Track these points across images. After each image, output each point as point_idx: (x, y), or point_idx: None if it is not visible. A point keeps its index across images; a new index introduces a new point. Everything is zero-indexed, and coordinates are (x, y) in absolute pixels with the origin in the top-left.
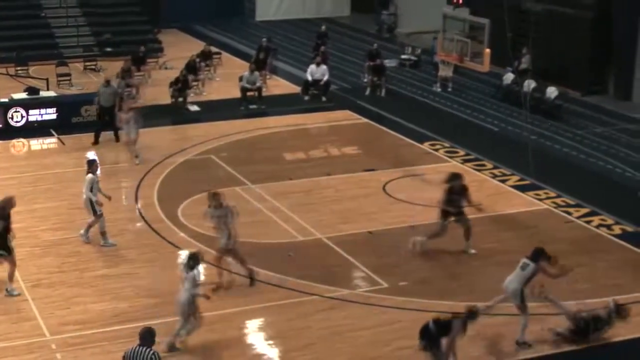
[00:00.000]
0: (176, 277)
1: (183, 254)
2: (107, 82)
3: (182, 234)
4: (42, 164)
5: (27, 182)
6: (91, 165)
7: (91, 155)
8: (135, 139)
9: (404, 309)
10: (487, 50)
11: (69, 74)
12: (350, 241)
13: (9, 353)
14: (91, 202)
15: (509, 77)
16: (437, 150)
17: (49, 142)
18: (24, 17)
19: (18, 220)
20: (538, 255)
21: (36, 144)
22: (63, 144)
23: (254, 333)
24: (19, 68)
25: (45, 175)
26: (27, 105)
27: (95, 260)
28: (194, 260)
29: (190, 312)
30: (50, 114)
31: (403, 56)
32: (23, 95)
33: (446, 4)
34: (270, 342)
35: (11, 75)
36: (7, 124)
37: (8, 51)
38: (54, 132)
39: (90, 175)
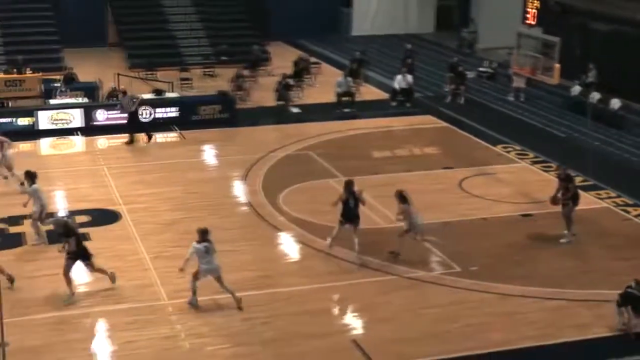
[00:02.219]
0: (275, 253)
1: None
2: (124, 93)
3: (281, 218)
4: (164, 155)
5: (152, 169)
6: None
7: None
8: None
9: (472, 290)
10: (557, 65)
11: (189, 79)
12: (428, 229)
13: (133, 313)
14: None
15: (576, 89)
16: (508, 152)
17: (171, 136)
18: (154, 30)
19: (143, 201)
20: None
21: (160, 137)
22: (183, 137)
23: (342, 305)
24: (148, 73)
25: (166, 164)
26: (154, 104)
27: None
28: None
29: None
30: (173, 112)
31: (481, 69)
32: (151, 96)
33: (521, 23)
34: (356, 313)
35: (142, 79)
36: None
37: (140, 58)
38: (175, 128)
39: None
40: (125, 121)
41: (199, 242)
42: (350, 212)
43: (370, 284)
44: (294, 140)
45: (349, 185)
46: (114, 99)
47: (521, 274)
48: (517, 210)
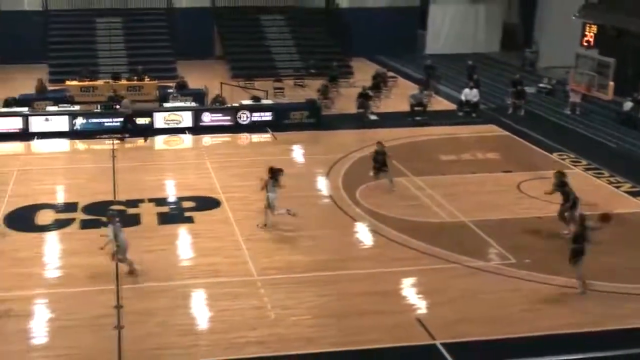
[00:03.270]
0: (351, 240)
1: None
2: (122, 97)
3: (357, 210)
4: (259, 152)
5: (247, 164)
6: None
7: None
8: None
9: (526, 280)
10: (611, 83)
11: (282, 88)
12: (487, 225)
13: (227, 285)
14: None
15: (628, 105)
16: (564, 159)
17: (265, 137)
18: (253, 45)
19: (239, 191)
20: None
21: (256, 137)
22: (275, 138)
23: (408, 288)
24: (247, 82)
25: (260, 160)
26: (251, 109)
27: (292, 224)
28: None
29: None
30: (267, 116)
31: (541, 85)
32: (249, 102)
33: (579, 45)
34: (420, 295)
35: (242, 87)
36: (236, 122)
37: (241, 69)
38: (269, 130)
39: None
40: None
41: (112, 223)
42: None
43: (435, 270)
44: (371, 143)
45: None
46: (218, 103)
47: (570, 267)
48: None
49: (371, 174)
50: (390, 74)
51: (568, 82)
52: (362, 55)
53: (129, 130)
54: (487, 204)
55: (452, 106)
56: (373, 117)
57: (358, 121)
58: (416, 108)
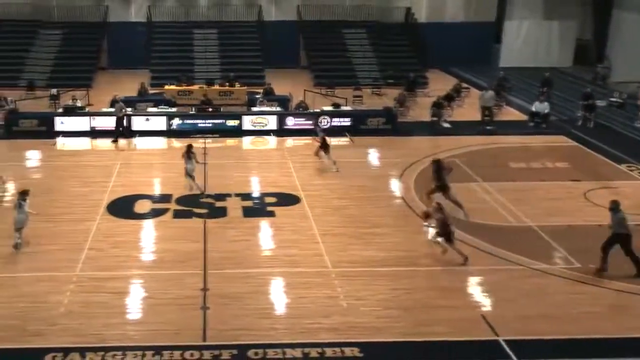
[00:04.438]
0: (420, 239)
1: None
2: (116, 101)
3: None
4: (337, 154)
5: (326, 165)
6: None
7: None
8: None
9: (589, 284)
10: None
11: (361, 96)
12: (553, 230)
13: (304, 275)
14: None
15: None
16: (632, 171)
17: (344, 141)
18: (335, 56)
19: (317, 189)
20: None
21: (335, 140)
22: (353, 142)
23: (473, 286)
24: (328, 90)
25: (338, 161)
26: (331, 114)
27: (365, 222)
28: None
29: None
30: (346, 121)
31: (611, 99)
32: (329, 108)
33: None
34: (485, 293)
35: (323, 94)
36: (317, 126)
37: (323, 78)
38: (347, 134)
39: None
40: (112, 126)
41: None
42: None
43: (500, 271)
44: (443, 149)
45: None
46: (301, 109)
47: (634, 273)
48: (634, 220)
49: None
50: (464, 85)
51: (639, 96)
52: (438, 67)
53: (121, 133)
54: (553, 210)
55: (523, 117)
56: (446, 125)
57: (431, 128)
58: (486, 118)
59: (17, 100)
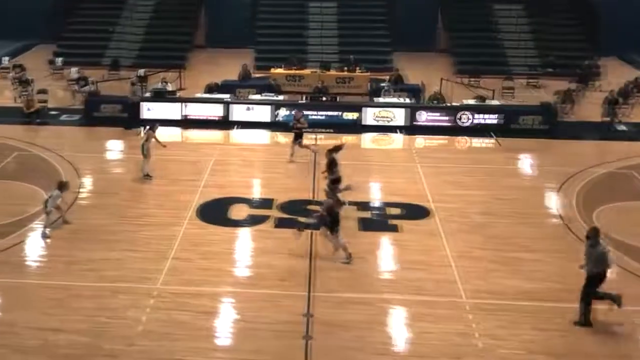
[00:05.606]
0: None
1: None
2: (133, 84)
3: None
4: (479, 159)
5: (464, 172)
6: None
7: None
8: None
9: None
10: None
11: (512, 88)
12: None
13: (431, 305)
14: None
15: None
16: None
17: (488, 142)
18: (483, 38)
19: (452, 201)
20: None
21: (477, 142)
22: (499, 144)
23: None
24: (472, 79)
25: (480, 168)
26: (474, 109)
27: (512, 243)
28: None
29: None
30: (492, 119)
31: None
32: (472, 102)
33: None
34: None
35: (465, 85)
36: (456, 123)
37: (466, 65)
38: (492, 134)
39: None
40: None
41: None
42: None
43: None
44: (616, 158)
45: None
46: (436, 102)
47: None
48: None
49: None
50: None
51: None
52: (614, 54)
53: (132, 120)
54: None
55: None
56: (621, 128)
57: (602, 131)
58: None
59: (98, 82)
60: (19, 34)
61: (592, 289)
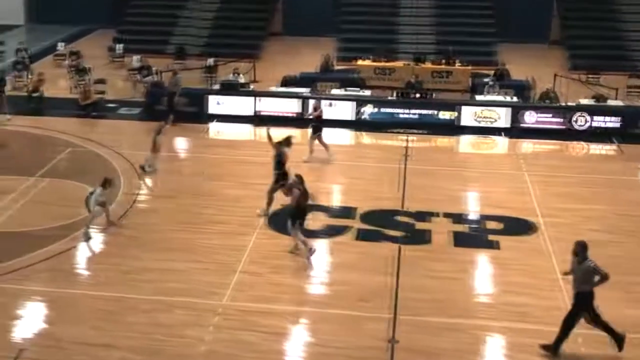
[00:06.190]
0: None
1: None
2: (175, 73)
3: None
4: (597, 168)
5: (579, 182)
6: None
7: None
8: None
9: None
10: None
11: (639, 87)
12: None
13: (538, 335)
14: None
15: None
16: None
17: (608, 149)
18: (603, 29)
19: (564, 216)
20: None
21: (595, 148)
22: (622, 152)
23: None
24: (590, 76)
25: (599, 178)
26: (592, 111)
27: (636, 267)
28: None
29: None
30: (614, 122)
31: None
32: (590, 102)
33: None
34: None
35: (582, 82)
36: (571, 126)
37: (583, 59)
38: (614, 140)
39: None
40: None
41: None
42: None
43: None
44: None
45: None
46: (547, 101)
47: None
48: None
49: None
50: None
51: None
52: None
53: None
54: None
55: None
56: None
57: None
58: None
59: (162, 72)
60: (75, 18)
61: (580, 310)
